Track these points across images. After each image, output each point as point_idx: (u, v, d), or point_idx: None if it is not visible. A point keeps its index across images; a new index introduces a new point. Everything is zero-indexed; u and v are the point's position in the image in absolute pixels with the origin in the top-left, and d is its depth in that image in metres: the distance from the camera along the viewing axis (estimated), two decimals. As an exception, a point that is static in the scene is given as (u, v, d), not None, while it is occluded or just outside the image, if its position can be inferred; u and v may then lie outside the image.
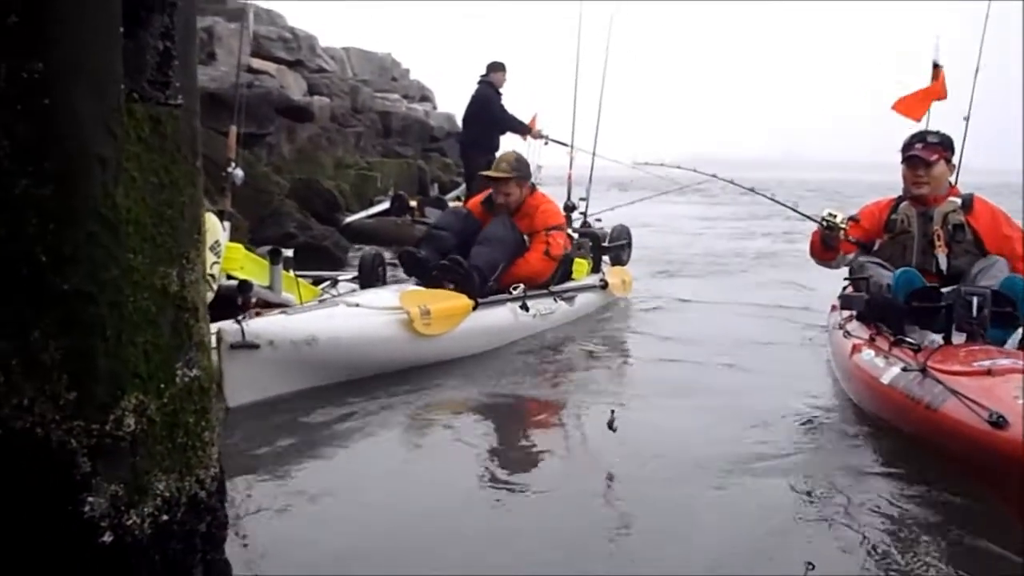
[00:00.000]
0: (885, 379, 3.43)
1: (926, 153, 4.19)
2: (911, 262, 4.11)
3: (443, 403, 3.98)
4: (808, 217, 4.65)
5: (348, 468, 3.10)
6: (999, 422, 2.60)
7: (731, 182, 5.11)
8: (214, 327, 3.63)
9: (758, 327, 5.83)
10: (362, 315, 4.09)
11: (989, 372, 3.01)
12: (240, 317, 3.62)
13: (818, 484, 2.87)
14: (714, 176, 5.48)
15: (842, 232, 4.20)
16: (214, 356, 3.45)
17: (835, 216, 4.21)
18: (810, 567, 1.75)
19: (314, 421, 3.53)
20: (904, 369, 3.34)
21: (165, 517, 1.55)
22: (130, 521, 1.48)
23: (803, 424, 3.62)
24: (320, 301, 4.19)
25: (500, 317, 4.90)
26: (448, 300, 4.55)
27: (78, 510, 1.42)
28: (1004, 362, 3.08)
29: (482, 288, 4.82)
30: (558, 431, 3.77)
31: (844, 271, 4.50)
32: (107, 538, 1.45)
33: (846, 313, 4.30)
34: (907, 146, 4.29)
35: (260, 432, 3.38)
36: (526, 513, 2.69)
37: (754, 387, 4.15)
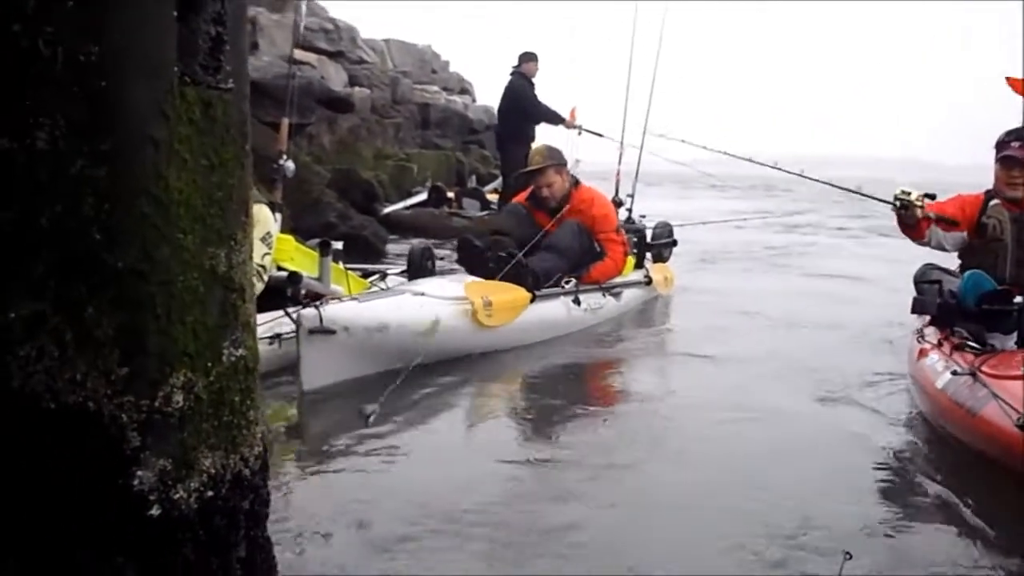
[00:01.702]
0: (939, 383, 3.37)
1: (1023, 152, 3.89)
2: (1004, 273, 3.86)
3: (502, 386, 4.23)
4: (880, 200, 4.43)
5: (414, 445, 3.25)
6: None
7: (824, 182, 5.04)
8: (293, 312, 3.76)
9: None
10: (428, 304, 4.19)
11: None
12: (317, 303, 3.72)
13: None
14: (801, 174, 5.23)
15: (919, 210, 3.91)
16: (292, 341, 3.61)
17: (909, 194, 3.94)
18: (847, 556, 1.75)
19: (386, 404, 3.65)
20: (955, 373, 3.26)
21: (210, 493, 1.58)
22: (177, 496, 1.52)
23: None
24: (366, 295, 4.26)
25: (554, 310, 5.03)
26: (508, 292, 4.67)
27: (128, 483, 1.45)
28: None
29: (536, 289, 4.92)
30: (607, 413, 3.87)
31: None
32: (155, 511, 1.48)
33: (927, 318, 4.08)
34: (1001, 144, 3.97)
35: (336, 412, 3.54)
36: (575, 478, 2.92)
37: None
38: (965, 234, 4.03)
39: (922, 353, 3.76)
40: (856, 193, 4.46)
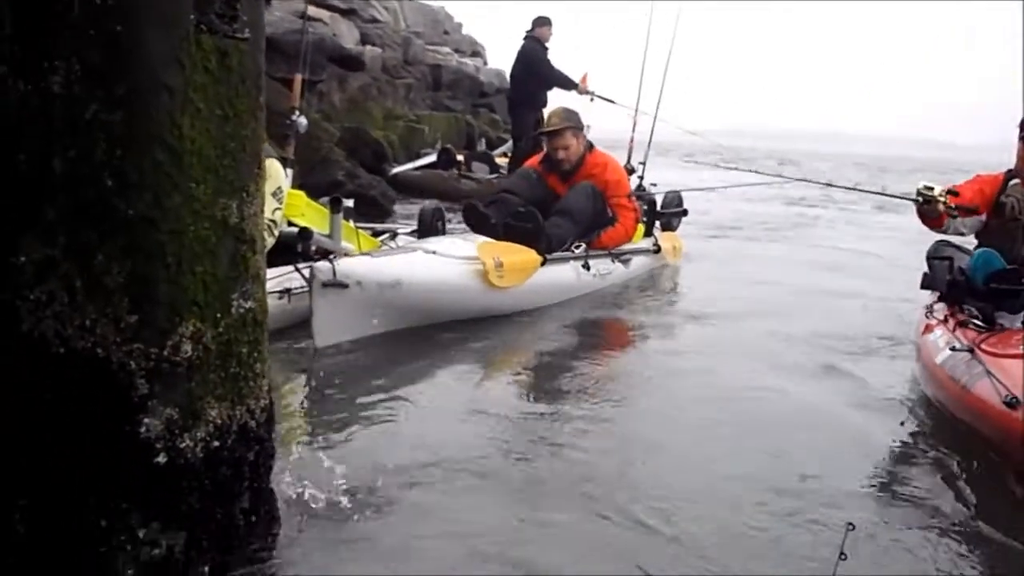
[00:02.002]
0: (939, 359, 3.36)
1: None
2: (1021, 252, 3.79)
3: (509, 349, 4.21)
4: (902, 197, 4.32)
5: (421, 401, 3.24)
6: (1012, 402, 2.59)
7: (829, 184, 5.01)
8: (304, 267, 3.77)
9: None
10: (440, 263, 4.19)
11: None
12: (331, 256, 3.71)
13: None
14: (805, 180, 5.17)
15: (941, 205, 3.85)
16: (305, 295, 3.64)
17: (931, 189, 3.86)
18: (850, 527, 1.75)
19: (396, 360, 3.70)
20: (954, 349, 3.26)
21: (216, 443, 1.59)
22: (183, 444, 1.53)
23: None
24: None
25: (564, 274, 5.03)
26: (520, 254, 4.66)
27: (135, 430, 1.46)
28: None
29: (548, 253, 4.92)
30: (616, 372, 3.91)
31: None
32: (161, 459, 1.49)
33: (937, 294, 4.04)
34: None
35: (345, 369, 3.53)
36: (575, 431, 2.95)
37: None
38: (983, 217, 4.01)
39: (928, 328, 3.76)
40: (882, 195, 4.39)
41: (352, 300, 3.71)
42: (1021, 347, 3.00)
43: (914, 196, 3.92)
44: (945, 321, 3.64)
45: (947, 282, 3.80)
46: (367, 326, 3.83)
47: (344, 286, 3.66)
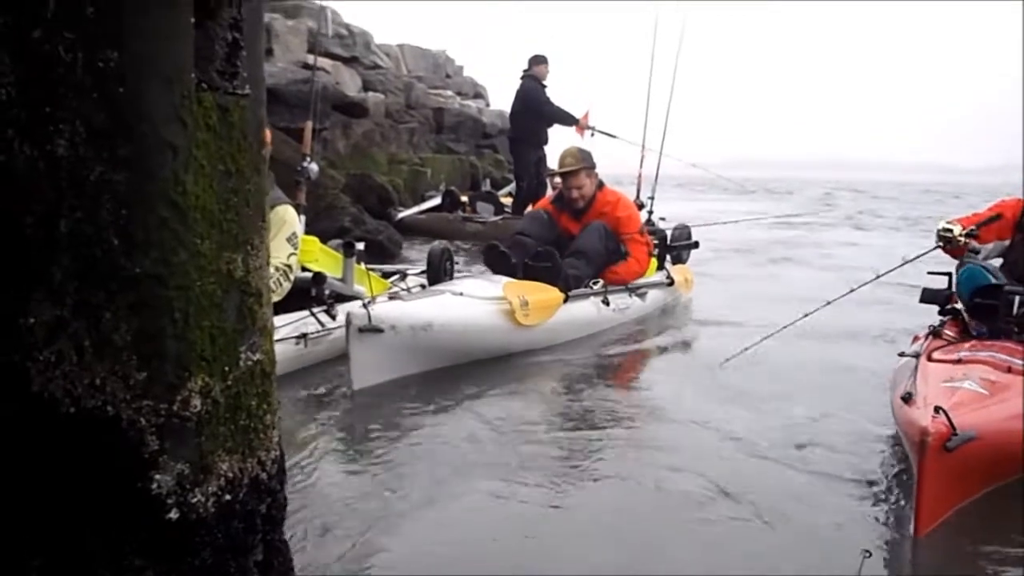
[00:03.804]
0: (897, 365, 3.51)
1: None
2: None
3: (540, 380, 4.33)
4: (922, 254, 4.35)
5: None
6: (906, 397, 2.74)
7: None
8: (343, 309, 3.83)
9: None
10: (469, 304, 4.30)
11: (960, 361, 3.10)
12: (365, 302, 3.78)
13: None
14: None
15: (962, 242, 4.01)
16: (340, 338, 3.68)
17: (951, 231, 4.03)
18: (866, 554, 1.74)
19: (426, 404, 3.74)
20: (901, 355, 3.48)
21: (228, 497, 1.59)
22: (195, 499, 1.52)
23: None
24: (391, 294, 4.30)
25: (585, 310, 5.19)
26: (544, 292, 4.80)
27: (146, 487, 1.46)
28: (986, 354, 3.14)
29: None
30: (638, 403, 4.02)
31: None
32: (173, 515, 1.49)
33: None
34: None
35: (382, 413, 3.61)
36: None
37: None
38: (1006, 242, 4.12)
39: (915, 339, 3.91)
40: (906, 262, 4.41)
41: (386, 344, 3.77)
42: (958, 354, 3.10)
43: (936, 242, 4.07)
44: (929, 334, 3.77)
45: (945, 296, 3.98)
46: (402, 368, 3.90)
47: (379, 331, 3.73)
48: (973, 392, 2.76)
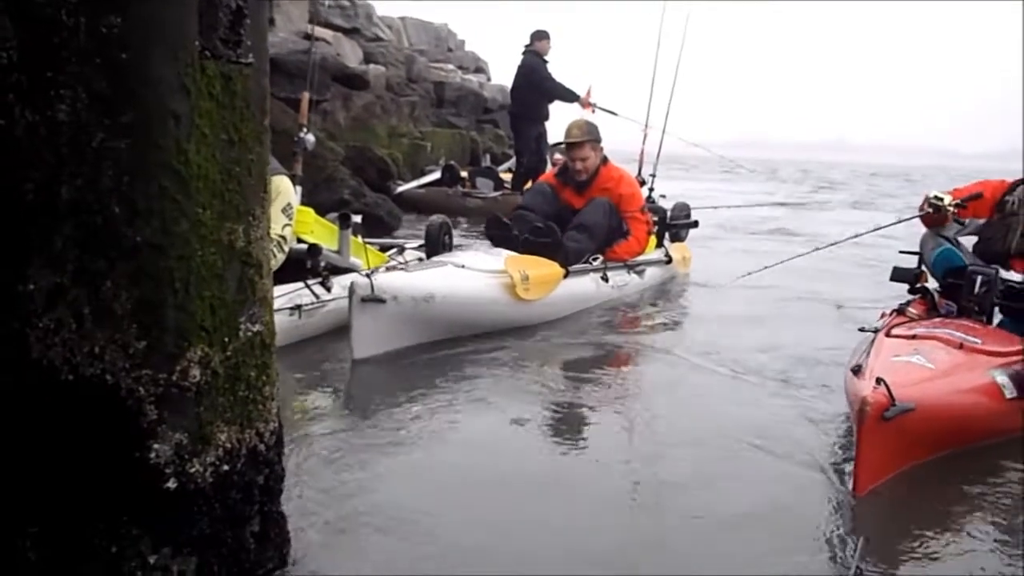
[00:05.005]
0: (855, 343, 3.55)
1: None
2: (1011, 245, 3.95)
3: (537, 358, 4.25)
4: (911, 217, 4.47)
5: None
6: (856, 369, 2.81)
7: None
8: (347, 280, 3.82)
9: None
10: (470, 277, 4.29)
11: (914, 336, 3.16)
12: (368, 272, 3.78)
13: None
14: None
15: (950, 213, 4.04)
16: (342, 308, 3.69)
17: (942, 199, 4.03)
18: (865, 541, 1.75)
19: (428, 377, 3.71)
20: (861, 330, 3.53)
21: (226, 467, 1.59)
22: (193, 469, 1.53)
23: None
24: (387, 267, 4.30)
25: (584, 286, 5.19)
26: (544, 267, 4.81)
27: (144, 456, 1.46)
28: (942, 331, 3.20)
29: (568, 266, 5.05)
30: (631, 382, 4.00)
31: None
32: (171, 484, 1.49)
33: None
34: None
35: (381, 381, 3.62)
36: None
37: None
38: (980, 221, 4.14)
39: (881, 316, 3.95)
40: (902, 220, 4.58)
41: (388, 314, 3.79)
42: (915, 331, 3.22)
43: (925, 208, 4.08)
44: (894, 311, 3.83)
45: (914, 275, 4.05)
46: (403, 339, 3.87)
47: (382, 301, 3.74)
48: (919, 366, 2.86)
